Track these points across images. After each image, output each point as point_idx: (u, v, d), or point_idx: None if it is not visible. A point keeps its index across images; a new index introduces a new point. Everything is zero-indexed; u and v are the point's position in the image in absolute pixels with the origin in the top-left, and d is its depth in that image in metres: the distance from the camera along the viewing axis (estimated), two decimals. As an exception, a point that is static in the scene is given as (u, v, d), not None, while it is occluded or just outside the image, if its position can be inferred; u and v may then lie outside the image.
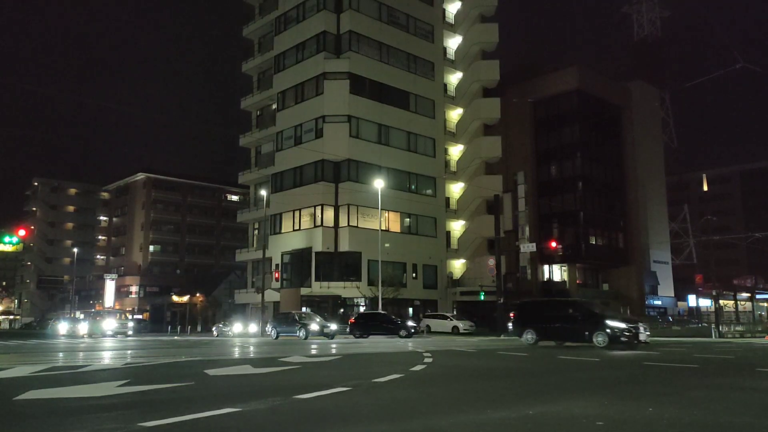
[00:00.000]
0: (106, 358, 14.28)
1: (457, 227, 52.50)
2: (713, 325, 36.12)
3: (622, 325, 18.36)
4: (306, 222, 45.55)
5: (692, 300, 59.45)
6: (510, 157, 54.69)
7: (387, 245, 42.03)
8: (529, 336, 20.20)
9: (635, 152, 59.53)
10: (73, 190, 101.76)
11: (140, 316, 64.58)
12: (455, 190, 52.95)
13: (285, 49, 49.43)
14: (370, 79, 46.58)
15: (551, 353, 15.65)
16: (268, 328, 32.08)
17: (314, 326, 29.36)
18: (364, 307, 43.68)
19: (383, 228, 41.84)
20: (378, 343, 22.64)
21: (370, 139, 46.33)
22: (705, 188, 67.66)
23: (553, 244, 45.89)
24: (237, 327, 40.13)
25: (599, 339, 18.26)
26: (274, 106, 50.54)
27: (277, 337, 30.53)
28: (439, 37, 52.28)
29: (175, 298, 65.37)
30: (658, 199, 63.66)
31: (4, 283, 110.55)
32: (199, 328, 58.81)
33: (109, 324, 38.40)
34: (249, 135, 53.99)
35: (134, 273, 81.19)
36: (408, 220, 47.80)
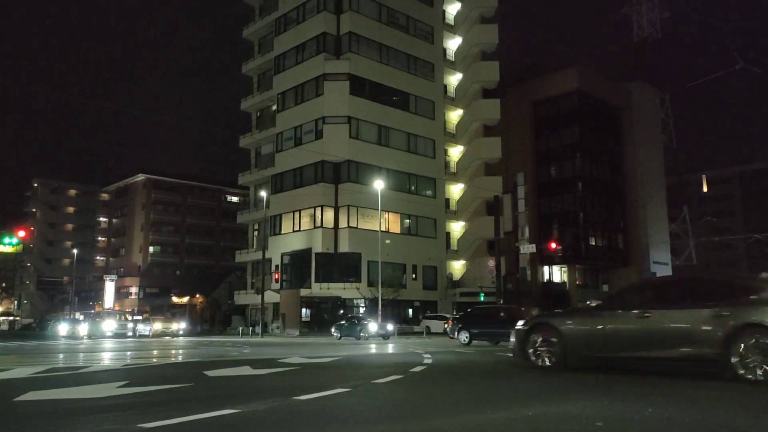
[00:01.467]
0: (106, 359, 14.28)
1: (457, 228, 52.51)
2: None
3: None
4: (306, 223, 45.57)
5: (692, 301, 59.33)
6: (510, 157, 54.74)
7: (387, 242, 41.99)
8: None
9: (635, 153, 59.54)
10: (72, 191, 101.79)
11: (139, 317, 64.52)
12: (455, 191, 52.98)
13: (285, 50, 49.47)
14: (370, 80, 46.62)
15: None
16: (449, 328, 23.37)
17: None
18: (364, 308, 43.67)
19: (383, 229, 41.83)
20: (378, 344, 22.63)
21: (370, 140, 46.37)
22: (705, 189, 67.56)
23: (553, 245, 45.87)
24: (372, 326, 31.12)
25: None
26: (274, 107, 50.58)
27: (469, 341, 22.74)
28: (438, 38, 52.33)
29: (174, 299, 65.38)
30: (658, 200, 63.64)
31: (3, 284, 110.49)
32: (199, 329, 58.74)
33: (109, 325, 38.36)
34: (249, 136, 54.02)
35: (134, 274, 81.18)
36: (408, 221, 47.82)
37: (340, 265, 44.34)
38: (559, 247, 47.49)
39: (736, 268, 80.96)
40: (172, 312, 59.94)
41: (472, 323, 23.13)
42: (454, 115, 53.98)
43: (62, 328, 39.64)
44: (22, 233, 31.12)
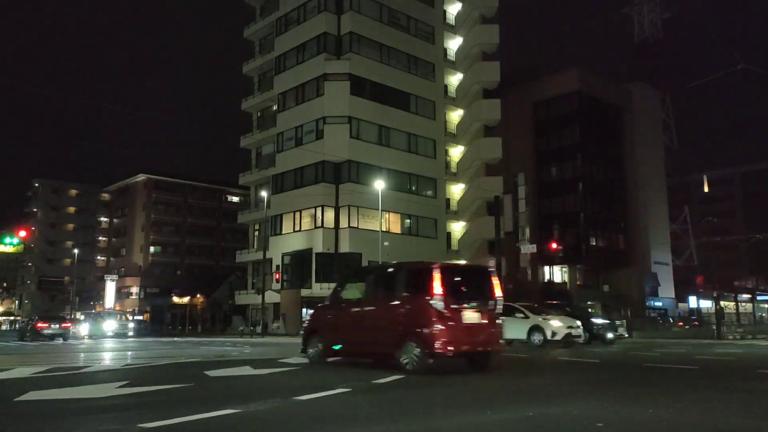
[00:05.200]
0: (107, 359, 14.28)
1: (457, 228, 52.50)
2: (713, 327, 36.10)
3: None
4: (306, 223, 45.56)
5: (693, 301, 59.42)
6: (510, 158, 54.71)
7: (386, 243, 41.87)
8: None
9: (636, 153, 59.52)
10: (73, 191, 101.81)
11: (141, 317, 64.51)
12: (456, 191, 52.96)
13: (286, 51, 49.46)
14: (370, 81, 46.61)
15: (551, 354, 15.65)
16: None
17: None
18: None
19: (384, 229, 41.83)
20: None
21: (371, 141, 46.35)
22: (706, 189, 67.60)
23: (554, 246, 45.74)
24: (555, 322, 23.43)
25: None
26: (275, 108, 50.58)
27: None
28: (439, 39, 52.31)
29: (175, 299, 65.35)
30: (659, 201, 63.63)
31: (4, 284, 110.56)
32: (199, 329, 58.80)
33: (110, 325, 38.32)
34: (249, 136, 54.01)
35: (135, 274, 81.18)
36: (408, 221, 47.81)
37: (340, 265, 44.30)
38: (560, 248, 47.35)
39: (737, 269, 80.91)
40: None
41: None
42: (455, 116, 53.94)
43: (63, 328, 39.58)
44: (23, 233, 31.13)
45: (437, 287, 9.19)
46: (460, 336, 9.38)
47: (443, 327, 9.20)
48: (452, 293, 9.41)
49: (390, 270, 11.22)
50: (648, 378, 9.56)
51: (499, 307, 10.10)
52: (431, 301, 9.21)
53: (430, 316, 9.21)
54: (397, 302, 9.93)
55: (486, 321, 9.72)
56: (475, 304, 9.72)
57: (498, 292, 10.06)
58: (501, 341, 10.45)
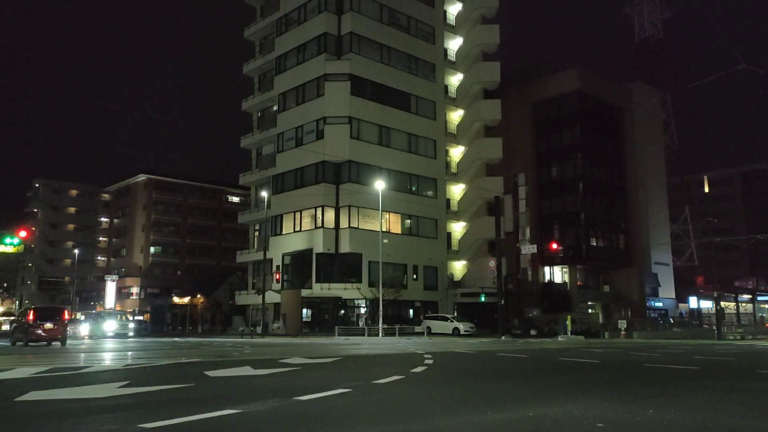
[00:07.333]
0: (107, 360, 14.28)
1: (457, 228, 52.50)
2: (714, 327, 36.12)
3: None
4: (307, 223, 45.56)
5: (693, 302, 59.39)
6: (511, 158, 54.69)
7: (386, 241, 41.84)
8: None
9: (636, 153, 59.46)
10: (74, 191, 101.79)
11: (141, 317, 64.48)
12: (456, 191, 52.97)
13: (286, 51, 49.48)
14: (371, 81, 46.61)
15: (551, 354, 15.65)
16: None
17: None
18: (365, 309, 43.73)
19: (384, 229, 41.82)
20: (378, 345, 22.62)
21: (371, 141, 46.36)
22: (706, 190, 67.52)
23: (554, 246, 45.76)
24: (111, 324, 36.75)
25: None
26: (275, 108, 50.59)
27: None
28: (440, 39, 52.32)
29: (175, 299, 65.33)
30: (659, 201, 63.56)
31: (5, 285, 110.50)
32: (200, 329, 58.81)
33: (110, 325, 38.29)
34: (250, 136, 54.02)
35: (135, 274, 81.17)
36: (409, 221, 47.81)
37: (341, 266, 44.32)
38: (560, 248, 47.37)
39: (738, 269, 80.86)
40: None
41: None
42: (455, 116, 53.95)
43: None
44: (23, 233, 31.08)
45: (31, 316, 23.52)
46: (42, 334, 22.92)
47: (32, 330, 22.95)
48: (40, 316, 23.37)
49: (25, 308, 28.43)
50: (648, 378, 9.56)
51: (66, 323, 24.53)
52: (29, 320, 23.37)
53: (27, 325, 23.30)
54: (24, 320, 24.24)
55: (56, 328, 23.21)
56: (51, 321, 23.26)
57: (66, 317, 25.41)
58: (66, 336, 23.88)
